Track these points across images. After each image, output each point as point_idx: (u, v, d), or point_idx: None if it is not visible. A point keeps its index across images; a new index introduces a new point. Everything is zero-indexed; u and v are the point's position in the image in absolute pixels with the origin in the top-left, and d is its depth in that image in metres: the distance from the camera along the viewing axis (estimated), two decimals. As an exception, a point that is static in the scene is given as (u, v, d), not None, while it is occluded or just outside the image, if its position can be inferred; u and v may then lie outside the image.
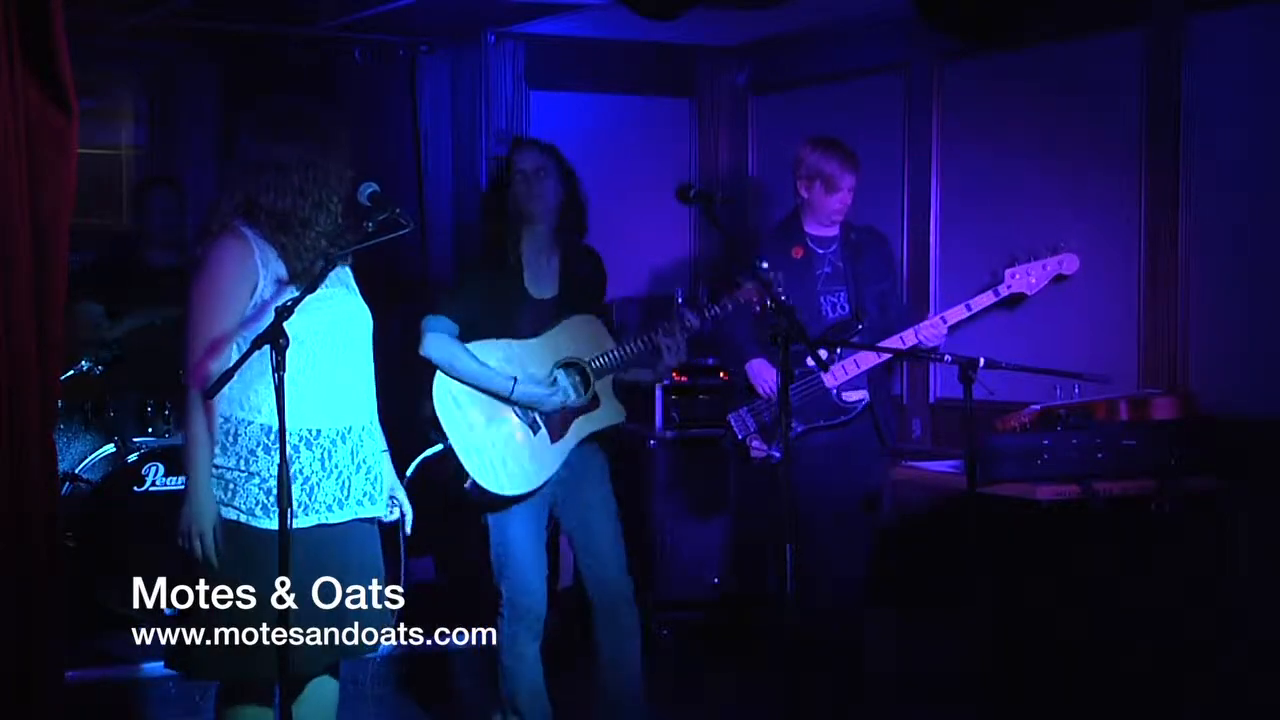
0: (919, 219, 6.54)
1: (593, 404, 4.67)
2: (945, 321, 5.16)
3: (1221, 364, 5.39)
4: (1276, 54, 5.23)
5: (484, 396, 4.58)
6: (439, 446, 4.67)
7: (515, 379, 4.56)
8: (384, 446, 3.91)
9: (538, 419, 4.62)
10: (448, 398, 4.59)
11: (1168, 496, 4.85)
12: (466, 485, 4.57)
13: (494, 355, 4.60)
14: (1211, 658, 4.77)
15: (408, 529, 3.98)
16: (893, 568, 5.65)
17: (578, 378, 4.66)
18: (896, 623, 5.66)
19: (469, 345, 4.59)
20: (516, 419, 4.61)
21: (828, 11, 6.53)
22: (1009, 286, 5.22)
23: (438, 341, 4.58)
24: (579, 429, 4.65)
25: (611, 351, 4.64)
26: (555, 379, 4.62)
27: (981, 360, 4.28)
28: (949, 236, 6.44)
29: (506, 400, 4.57)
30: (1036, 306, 5.71)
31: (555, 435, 4.62)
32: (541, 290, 4.67)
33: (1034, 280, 5.21)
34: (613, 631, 4.71)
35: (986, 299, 5.22)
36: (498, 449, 4.58)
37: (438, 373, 4.59)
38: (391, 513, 3.92)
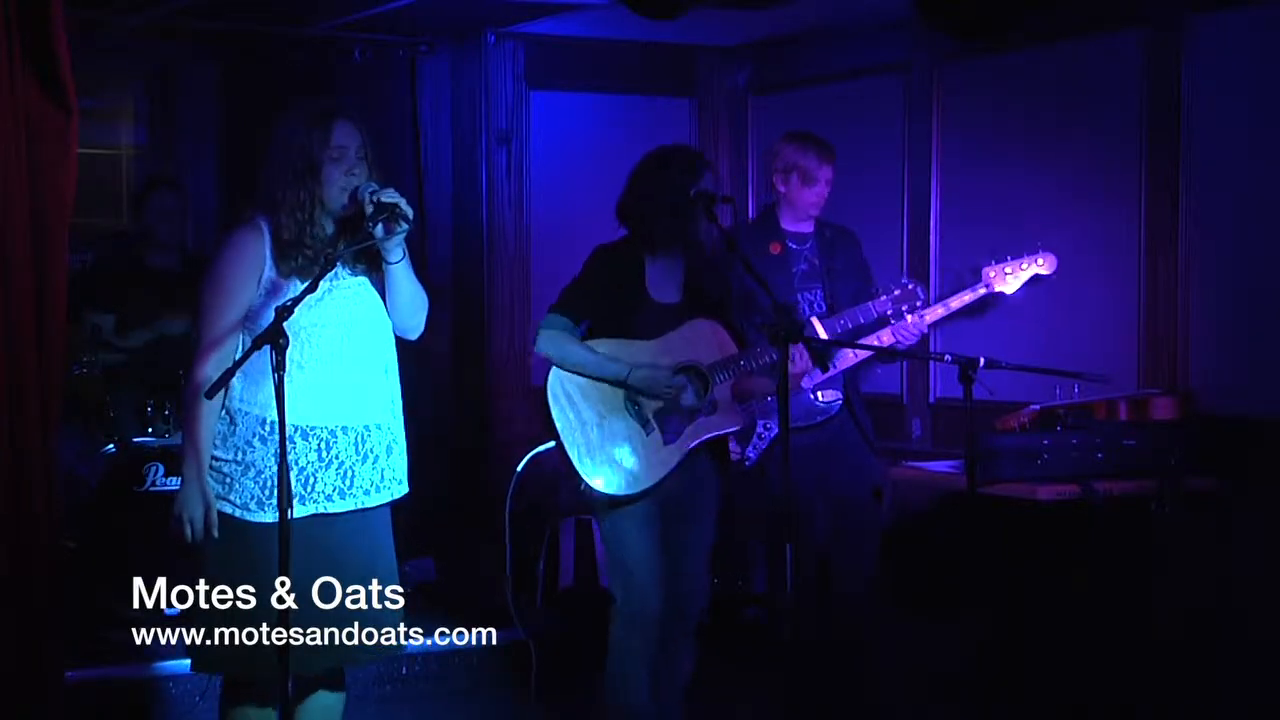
0: (919, 219, 6.54)
1: (710, 409, 4.54)
2: (923, 319, 5.13)
3: (1221, 364, 5.39)
4: (1276, 54, 5.23)
5: (596, 394, 4.46)
6: (550, 444, 4.54)
7: (632, 366, 4.43)
8: (400, 440, 3.87)
9: (651, 419, 4.49)
10: (560, 394, 4.47)
11: (1168, 496, 4.85)
12: (581, 486, 4.46)
13: (611, 351, 4.48)
14: (1212, 657, 4.77)
15: None
16: (893, 568, 5.64)
17: (698, 382, 4.54)
18: (896, 622, 5.65)
19: (587, 342, 4.48)
20: (630, 418, 4.48)
21: (828, 12, 6.52)
22: (988, 286, 5.21)
23: (551, 337, 4.47)
24: (693, 433, 4.51)
25: (734, 357, 4.55)
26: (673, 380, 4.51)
27: (982, 360, 4.26)
28: (949, 236, 6.44)
29: (622, 385, 4.44)
30: (1036, 306, 5.72)
31: (669, 438, 4.49)
32: (664, 296, 4.56)
33: (1011, 279, 5.18)
34: (660, 647, 4.57)
35: (966, 297, 5.21)
36: (609, 448, 4.46)
37: (551, 370, 4.49)
38: None
